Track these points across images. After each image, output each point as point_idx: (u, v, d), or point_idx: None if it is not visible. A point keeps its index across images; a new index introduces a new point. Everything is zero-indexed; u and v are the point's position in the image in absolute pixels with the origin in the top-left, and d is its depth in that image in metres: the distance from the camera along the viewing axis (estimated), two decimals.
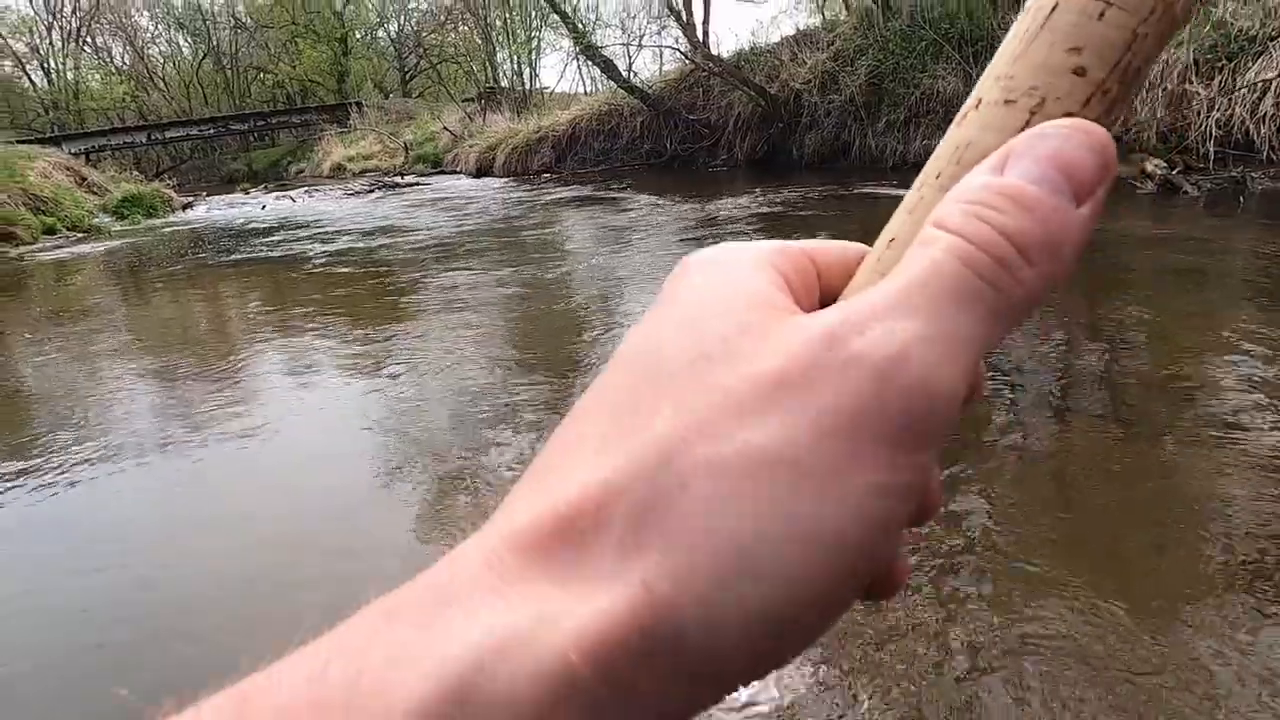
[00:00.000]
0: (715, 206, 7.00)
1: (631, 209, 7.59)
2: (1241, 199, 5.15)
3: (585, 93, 17.57)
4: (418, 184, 13.83)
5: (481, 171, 14.41)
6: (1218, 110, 5.82)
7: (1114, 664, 1.22)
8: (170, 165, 25.27)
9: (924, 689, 1.22)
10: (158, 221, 10.85)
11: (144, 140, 21.21)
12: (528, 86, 19.75)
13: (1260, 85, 5.43)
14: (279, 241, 7.45)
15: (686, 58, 11.72)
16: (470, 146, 15.31)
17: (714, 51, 11.44)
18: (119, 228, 10.24)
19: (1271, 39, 5.70)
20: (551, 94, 18.62)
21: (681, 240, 5.55)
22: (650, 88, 12.27)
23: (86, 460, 2.40)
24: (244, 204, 12.63)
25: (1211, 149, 5.78)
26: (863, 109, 9.20)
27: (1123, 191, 5.69)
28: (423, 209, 9.49)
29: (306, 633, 0.16)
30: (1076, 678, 1.20)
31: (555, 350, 3.22)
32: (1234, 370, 2.45)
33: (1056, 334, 2.86)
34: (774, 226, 5.69)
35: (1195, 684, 1.17)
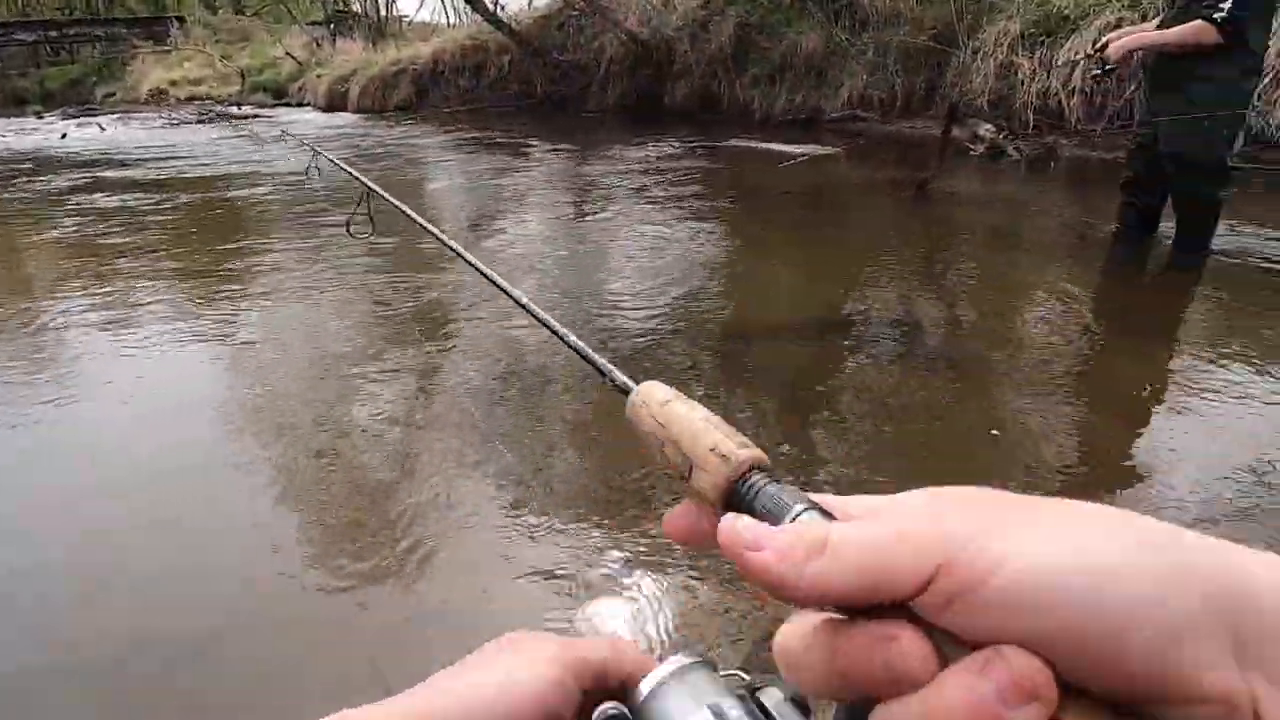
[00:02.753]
0: (594, 156, 6.87)
1: (508, 155, 7.28)
2: (1052, 164, 5.78)
3: (449, 24, 16.41)
4: (257, 116, 12.44)
5: (333, 106, 13.19)
6: (1037, 81, 6.43)
7: None
8: None
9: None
10: None
11: None
12: (383, 13, 18.11)
13: (1070, 62, 6.04)
14: (79, 184, 6.44)
15: None
16: (319, 77, 13.92)
17: None
18: None
19: (1083, 18, 6.34)
20: (410, 23, 17.19)
21: (564, 200, 5.41)
22: (518, 23, 11.67)
23: None
24: (36, 130, 10.78)
25: (1031, 117, 6.40)
26: (731, 60, 9.30)
27: (958, 153, 6.20)
28: (265, 148, 8.55)
29: None
30: None
31: (419, 329, 3.06)
32: (1043, 320, 2.78)
33: (901, 285, 3.10)
34: (653, 180, 5.67)
35: None
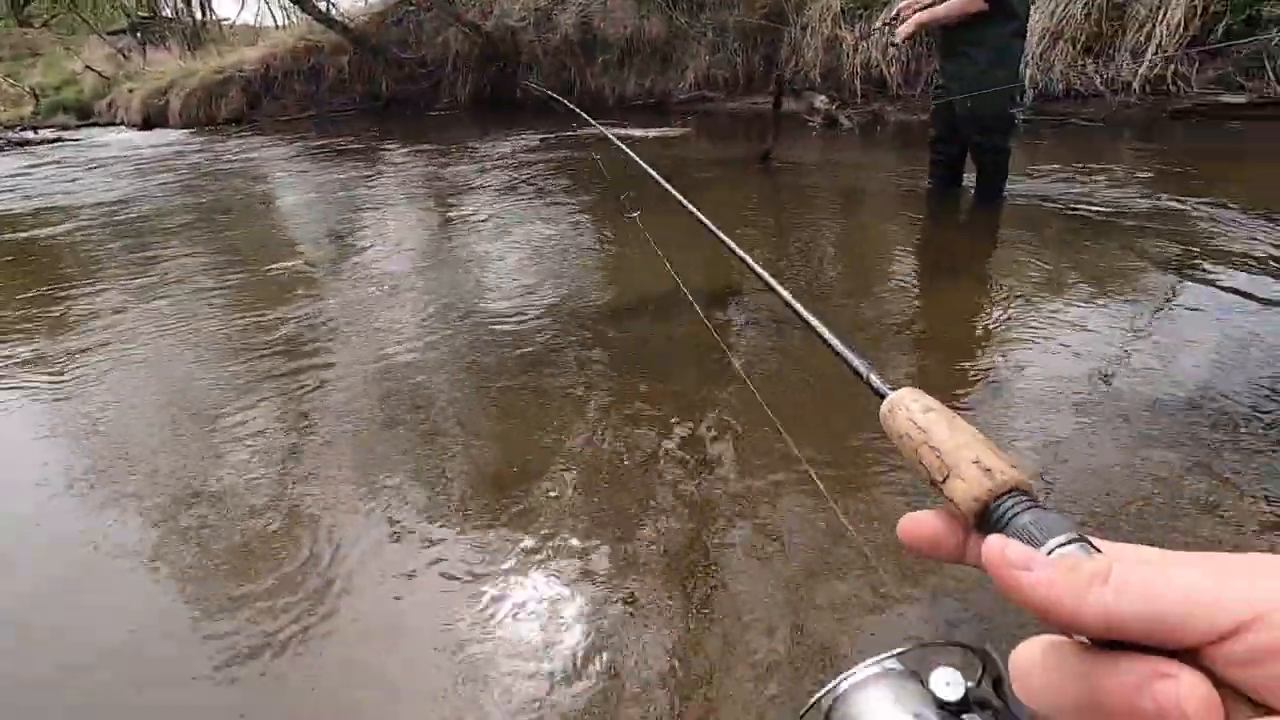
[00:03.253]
0: (455, 156, 6.70)
1: (361, 162, 6.95)
2: (879, 129, 6.29)
3: (276, 26, 15.31)
4: (60, 141, 11.11)
5: (151, 122, 12.02)
6: (860, 53, 6.94)
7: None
8: None
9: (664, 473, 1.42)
10: None
11: None
12: (200, 16, 16.62)
13: (882, 30, 6.57)
14: None
15: None
16: (131, 91, 12.62)
17: None
18: None
19: None
20: (232, 27, 15.90)
21: (430, 206, 5.25)
22: (352, 21, 11.10)
23: None
24: None
25: (859, 86, 6.92)
26: (579, 48, 9.34)
27: (797, 125, 6.60)
28: (79, 176, 7.68)
29: None
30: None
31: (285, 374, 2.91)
32: (890, 271, 3.06)
33: (763, 251, 3.29)
34: (519, 176, 5.64)
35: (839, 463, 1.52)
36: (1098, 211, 3.44)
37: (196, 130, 11.18)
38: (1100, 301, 2.46)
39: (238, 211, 5.18)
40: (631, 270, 3.33)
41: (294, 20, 13.66)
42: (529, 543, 1.54)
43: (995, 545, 0.23)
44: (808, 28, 7.43)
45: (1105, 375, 2.00)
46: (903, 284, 2.93)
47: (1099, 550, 0.23)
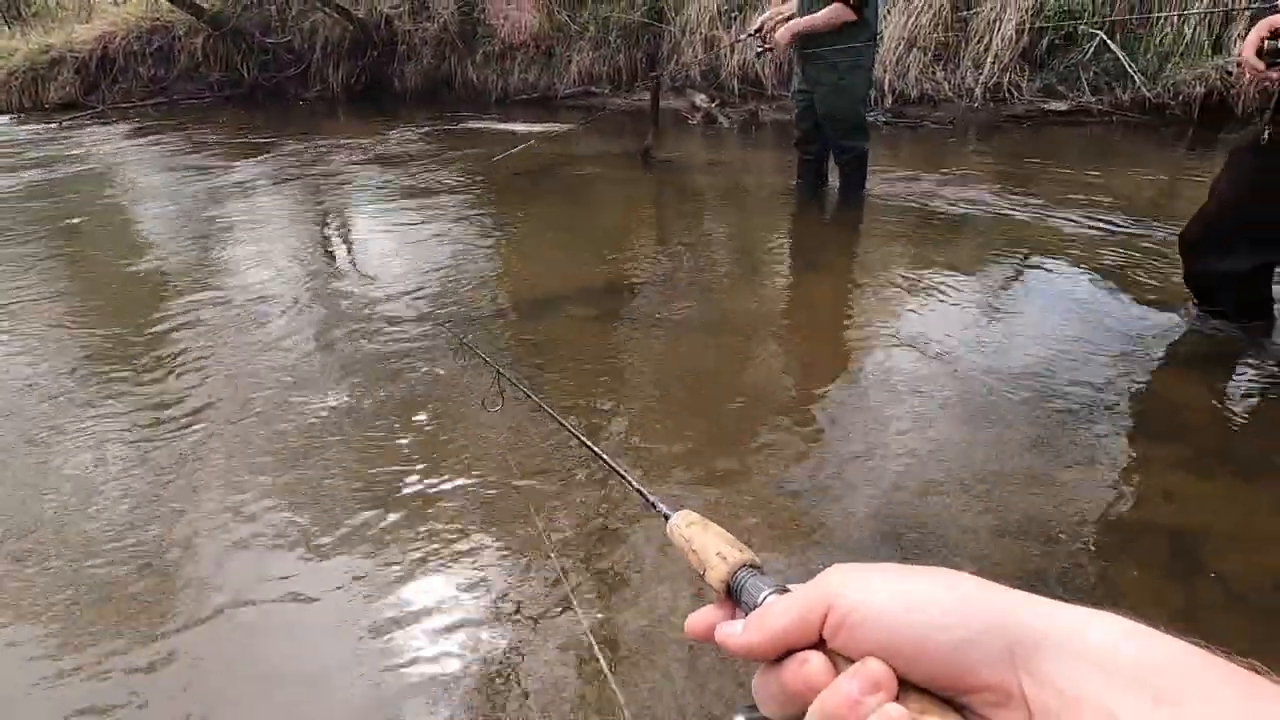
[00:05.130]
0: (328, 150, 6.34)
1: (224, 157, 6.43)
2: (755, 128, 6.57)
3: (115, 2, 13.81)
4: None
5: None
6: (737, 53, 7.21)
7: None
8: None
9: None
10: None
11: None
12: None
13: (749, 41, 6.86)
14: None
15: None
16: None
17: None
18: None
19: None
20: (59, 1, 14.20)
21: (305, 205, 4.94)
22: (206, 1, 10.22)
23: None
24: None
25: (737, 86, 7.18)
26: (459, 39, 9.09)
27: (679, 122, 6.78)
28: None
29: None
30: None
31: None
32: (764, 266, 3.23)
33: (647, 250, 3.38)
34: (398, 172, 5.42)
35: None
36: (946, 208, 3.79)
37: (18, 116, 9.93)
38: (948, 289, 2.73)
39: (97, 220, 4.69)
40: (514, 265, 3.32)
41: None
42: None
43: (719, 632, 0.34)
44: (686, 27, 7.62)
45: (950, 357, 2.24)
46: (773, 277, 3.11)
47: (789, 591, 0.34)
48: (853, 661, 0.29)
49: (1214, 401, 1.98)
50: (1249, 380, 2.09)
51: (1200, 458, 1.76)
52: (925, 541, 1.51)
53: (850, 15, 3.39)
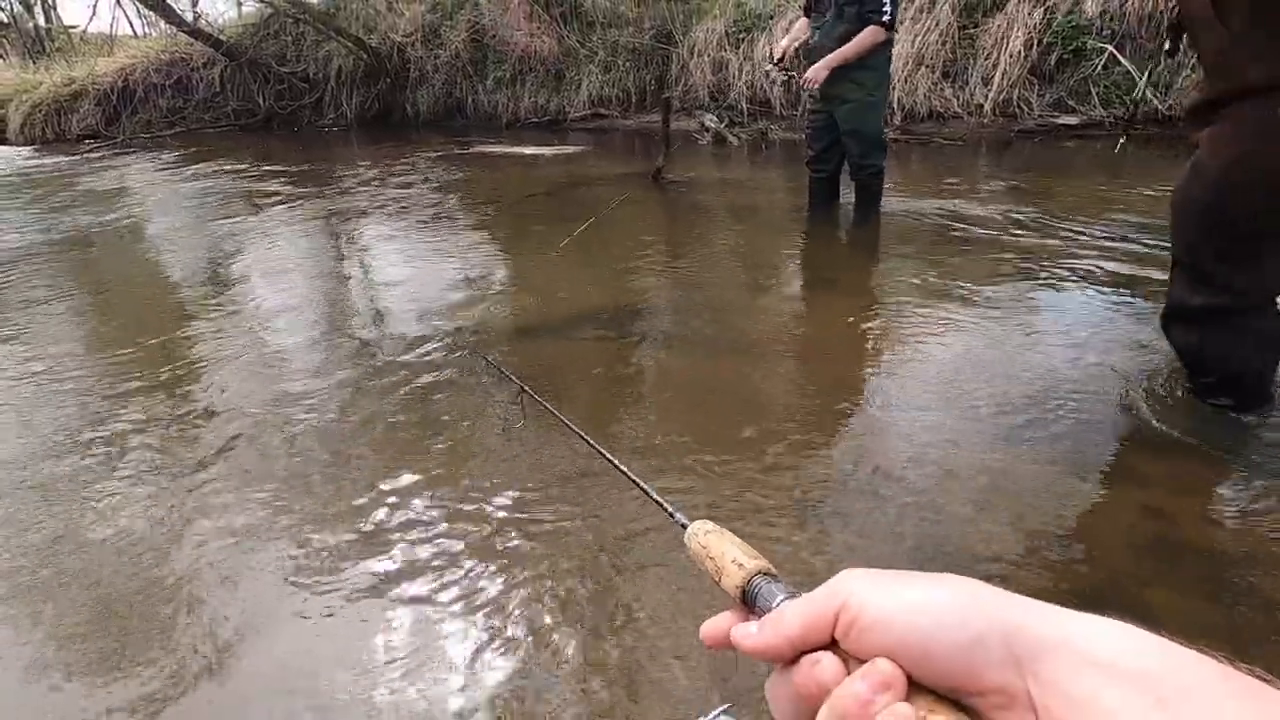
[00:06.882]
0: (344, 177, 6.44)
1: (243, 184, 6.54)
2: (765, 147, 6.61)
3: (135, 35, 14.18)
4: None
5: None
6: (745, 74, 7.28)
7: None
8: None
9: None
10: None
11: None
12: (42, 24, 15.17)
13: (768, 71, 6.93)
14: None
15: (265, 1, 10.25)
16: None
17: None
18: None
19: (771, 17, 7.29)
20: (83, 35, 14.61)
21: (323, 231, 5.01)
22: (224, 33, 10.48)
23: None
24: None
25: (745, 106, 7.24)
26: (470, 65, 9.25)
27: (689, 143, 6.83)
28: None
29: None
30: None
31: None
32: (779, 284, 3.23)
33: (661, 270, 3.39)
34: (414, 198, 5.49)
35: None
36: (960, 225, 3.78)
37: (42, 147, 10.17)
38: (964, 305, 2.72)
39: (109, 246, 4.78)
40: (529, 286, 3.34)
41: (158, 29, 12.72)
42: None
43: (734, 635, 0.35)
44: (695, 49, 7.71)
45: (963, 374, 2.21)
46: (790, 296, 3.10)
47: (797, 594, 0.34)
48: (864, 662, 0.30)
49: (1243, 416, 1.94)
50: None
51: (1229, 474, 1.72)
52: (944, 560, 1.49)
53: (884, 37, 3.41)
